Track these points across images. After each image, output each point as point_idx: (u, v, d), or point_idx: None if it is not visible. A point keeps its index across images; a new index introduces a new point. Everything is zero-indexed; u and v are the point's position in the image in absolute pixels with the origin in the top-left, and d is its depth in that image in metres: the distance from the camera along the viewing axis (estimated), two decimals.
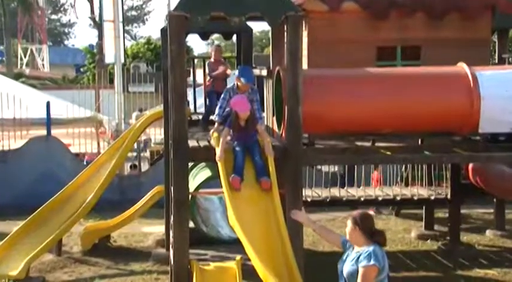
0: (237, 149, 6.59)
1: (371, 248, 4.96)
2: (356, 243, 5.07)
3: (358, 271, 4.91)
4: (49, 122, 14.47)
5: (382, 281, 5.04)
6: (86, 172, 10.92)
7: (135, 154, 16.40)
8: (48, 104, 14.64)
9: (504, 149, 7.43)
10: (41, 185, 13.00)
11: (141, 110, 18.04)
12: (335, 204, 11.15)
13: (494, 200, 11.44)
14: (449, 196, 10.68)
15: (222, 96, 7.18)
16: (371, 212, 11.85)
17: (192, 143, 7.30)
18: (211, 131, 7.05)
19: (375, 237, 5.04)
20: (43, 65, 56.40)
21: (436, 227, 11.59)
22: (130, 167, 16.03)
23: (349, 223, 5.11)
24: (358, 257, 4.94)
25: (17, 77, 37.59)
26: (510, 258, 10.05)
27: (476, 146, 7.79)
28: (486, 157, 7.47)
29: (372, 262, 4.91)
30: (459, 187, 10.55)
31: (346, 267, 5.01)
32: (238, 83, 7.01)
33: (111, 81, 19.42)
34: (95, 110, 17.40)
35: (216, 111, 7.21)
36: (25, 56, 55.91)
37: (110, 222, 10.92)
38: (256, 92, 7.21)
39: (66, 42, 77.87)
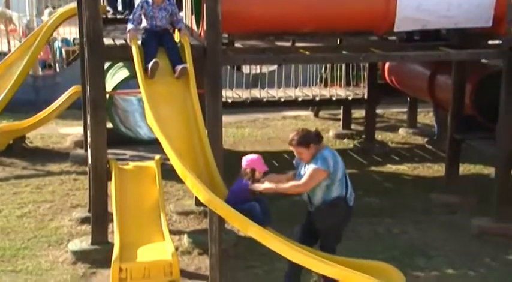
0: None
1: (319, 154, 5.27)
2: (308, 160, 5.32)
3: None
4: None
5: (341, 180, 5.32)
6: None
7: None
8: None
9: (418, 48, 7.59)
10: None
11: (54, 7, 17.17)
12: (256, 105, 11.23)
13: (408, 99, 11.83)
14: (366, 96, 10.95)
15: (136, 6, 6.79)
16: None
17: (108, 41, 7.06)
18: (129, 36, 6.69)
19: (319, 138, 5.34)
20: None
21: (353, 126, 11.95)
22: (44, 66, 15.44)
23: (300, 148, 5.31)
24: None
25: None
26: (420, 154, 10.58)
27: (392, 45, 7.92)
28: (401, 56, 7.61)
29: (319, 165, 5.21)
30: (375, 87, 10.81)
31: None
32: None
33: None
34: (3, 6, 16.45)
35: (130, 19, 6.80)
36: None
37: (24, 123, 10.60)
38: (174, 4, 6.86)
39: None
